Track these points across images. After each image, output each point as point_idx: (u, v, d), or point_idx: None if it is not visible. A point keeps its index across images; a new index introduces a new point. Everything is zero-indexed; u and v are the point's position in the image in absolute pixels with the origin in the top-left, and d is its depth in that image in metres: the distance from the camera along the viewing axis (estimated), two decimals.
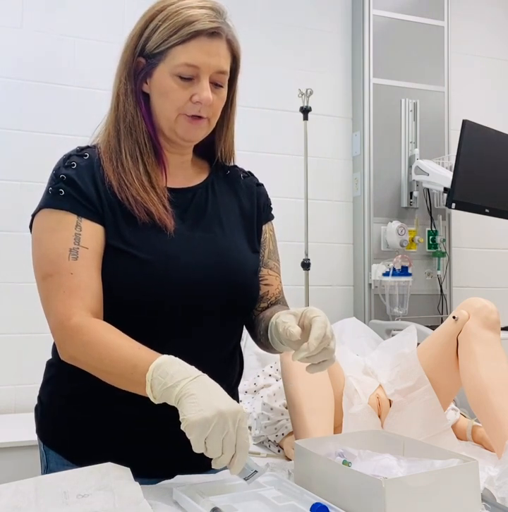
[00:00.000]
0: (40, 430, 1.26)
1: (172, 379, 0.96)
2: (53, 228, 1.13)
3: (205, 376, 0.98)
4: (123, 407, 1.15)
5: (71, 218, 1.12)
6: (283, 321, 1.09)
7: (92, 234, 1.13)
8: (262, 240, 1.32)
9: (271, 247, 1.34)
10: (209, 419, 0.91)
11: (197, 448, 0.92)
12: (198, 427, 0.91)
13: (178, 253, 1.16)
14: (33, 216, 1.17)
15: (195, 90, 1.14)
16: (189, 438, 0.92)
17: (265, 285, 1.30)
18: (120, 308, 1.14)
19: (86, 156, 1.18)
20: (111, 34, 2.83)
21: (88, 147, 1.21)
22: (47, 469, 1.24)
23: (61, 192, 1.13)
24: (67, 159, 1.18)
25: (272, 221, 1.38)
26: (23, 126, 2.79)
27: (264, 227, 1.33)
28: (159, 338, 1.15)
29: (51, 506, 0.92)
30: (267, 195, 1.37)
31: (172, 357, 1.00)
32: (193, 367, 0.99)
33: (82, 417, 1.20)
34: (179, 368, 0.97)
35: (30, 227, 1.18)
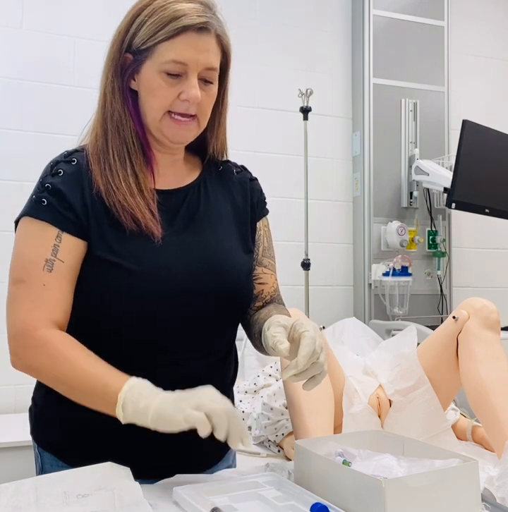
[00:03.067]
0: (34, 432, 1.25)
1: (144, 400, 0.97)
2: (32, 237, 1.11)
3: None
4: None
5: (52, 229, 1.10)
6: (272, 334, 1.07)
7: (71, 249, 1.11)
8: (256, 237, 1.29)
9: (266, 244, 1.31)
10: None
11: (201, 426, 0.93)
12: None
13: (167, 262, 1.13)
14: (16, 222, 1.15)
15: (183, 88, 1.11)
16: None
17: (260, 283, 1.28)
18: (110, 320, 1.12)
19: (74, 161, 1.15)
20: (111, 34, 2.82)
21: (76, 151, 1.18)
22: (42, 470, 1.23)
23: (44, 201, 1.11)
24: (54, 165, 1.15)
25: (267, 216, 1.34)
26: (23, 126, 2.79)
27: (258, 224, 1.30)
28: (153, 344, 1.14)
29: (51, 506, 0.92)
30: (261, 190, 1.34)
31: (136, 384, 1.00)
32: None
33: (75, 419, 1.18)
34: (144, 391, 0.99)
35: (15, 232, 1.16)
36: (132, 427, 1.17)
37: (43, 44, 2.84)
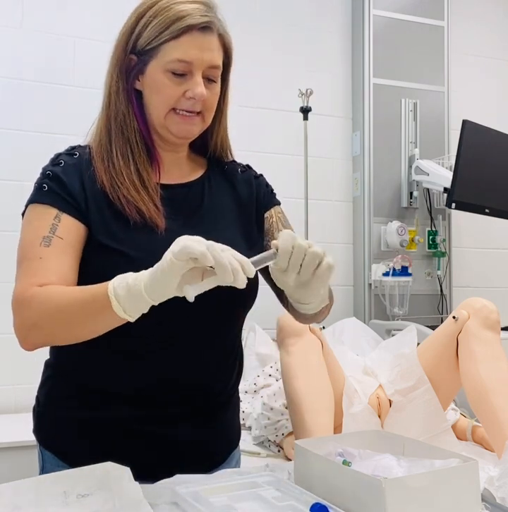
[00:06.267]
0: (36, 430, 1.25)
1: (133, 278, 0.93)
2: (33, 220, 1.14)
3: None
4: (119, 409, 1.15)
5: (51, 211, 1.12)
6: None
7: (71, 228, 1.12)
8: (266, 227, 1.29)
9: (281, 228, 1.28)
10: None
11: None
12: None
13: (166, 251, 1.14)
14: (23, 214, 1.18)
15: (189, 86, 1.13)
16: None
17: None
18: None
19: (75, 155, 1.18)
20: (111, 34, 2.82)
21: (79, 146, 1.22)
22: (43, 469, 1.23)
23: (45, 187, 1.14)
24: (56, 158, 1.19)
25: (279, 205, 1.33)
26: (23, 126, 2.79)
27: (268, 213, 1.30)
28: (152, 337, 1.13)
29: (51, 506, 0.92)
30: (267, 183, 1.34)
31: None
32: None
33: (76, 419, 1.18)
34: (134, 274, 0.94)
35: None
36: (131, 429, 1.17)
37: (43, 44, 2.84)
